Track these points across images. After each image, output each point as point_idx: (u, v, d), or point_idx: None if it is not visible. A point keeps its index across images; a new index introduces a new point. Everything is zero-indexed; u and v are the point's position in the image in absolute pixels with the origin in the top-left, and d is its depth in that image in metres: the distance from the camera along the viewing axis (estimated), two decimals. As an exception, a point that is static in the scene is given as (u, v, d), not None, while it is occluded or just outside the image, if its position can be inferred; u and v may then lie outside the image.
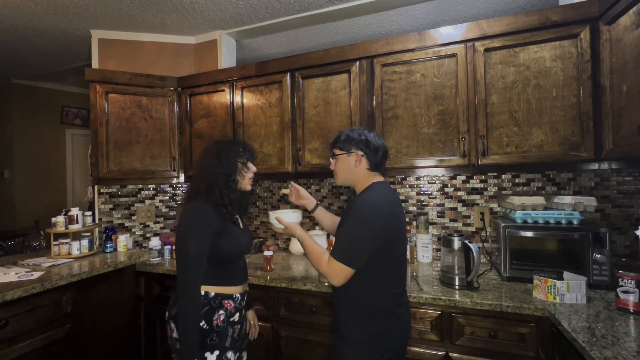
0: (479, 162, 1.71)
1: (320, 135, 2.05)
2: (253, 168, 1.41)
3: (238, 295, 1.35)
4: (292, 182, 1.59)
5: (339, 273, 1.16)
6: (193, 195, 1.31)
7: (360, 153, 1.27)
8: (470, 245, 1.49)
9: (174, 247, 2.31)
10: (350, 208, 1.25)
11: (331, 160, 1.36)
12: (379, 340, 1.20)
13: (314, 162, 2.07)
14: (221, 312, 1.27)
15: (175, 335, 1.25)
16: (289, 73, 2.13)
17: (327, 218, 1.58)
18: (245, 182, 1.39)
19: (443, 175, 2.11)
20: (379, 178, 1.30)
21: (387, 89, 1.90)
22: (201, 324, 1.22)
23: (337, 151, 1.33)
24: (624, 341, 1.04)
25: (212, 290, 1.28)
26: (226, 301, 1.30)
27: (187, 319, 1.18)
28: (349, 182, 1.33)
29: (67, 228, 2.13)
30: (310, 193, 2.46)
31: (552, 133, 1.60)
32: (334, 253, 1.18)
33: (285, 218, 1.37)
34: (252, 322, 1.53)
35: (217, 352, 1.23)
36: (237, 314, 1.34)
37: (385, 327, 1.21)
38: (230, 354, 1.26)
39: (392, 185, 2.24)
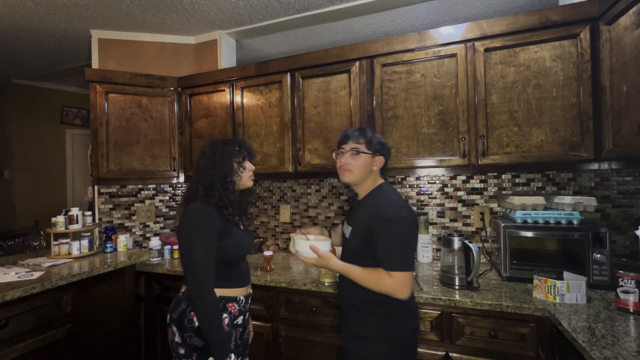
0: (479, 162, 1.71)
1: (320, 135, 2.05)
2: (250, 167, 1.39)
3: (242, 297, 1.34)
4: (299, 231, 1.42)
5: (406, 282, 1.12)
6: (192, 197, 1.30)
7: (384, 159, 1.30)
8: (470, 245, 1.49)
9: (174, 247, 2.32)
10: (373, 210, 1.20)
11: (344, 154, 1.28)
12: (397, 336, 1.21)
13: (314, 162, 2.07)
14: (225, 315, 1.26)
15: (177, 339, 1.23)
16: (289, 73, 2.13)
17: (337, 237, 1.56)
18: (245, 180, 1.37)
19: (443, 175, 2.11)
20: (381, 179, 1.34)
21: (387, 89, 1.90)
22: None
23: (362, 148, 1.26)
24: (624, 341, 1.05)
25: (216, 293, 1.25)
26: (230, 304, 1.29)
27: (209, 322, 1.17)
28: (359, 181, 1.29)
29: (67, 228, 2.12)
30: (310, 193, 2.47)
31: (552, 133, 1.60)
32: (393, 266, 1.13)
33: (304, 246, 1.23)
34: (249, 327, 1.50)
35: None
36: (241, 317, 1.33)
37: (403, 321, 1.23)
38: (233, 358, 1.24)
39: (392, 185, 2.24)
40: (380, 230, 1.17)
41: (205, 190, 1.27)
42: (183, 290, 1.30)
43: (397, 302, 1.19)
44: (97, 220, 2.47)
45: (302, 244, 1.24)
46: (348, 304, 1.28)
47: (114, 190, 2.55)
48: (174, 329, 1.25)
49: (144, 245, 2.61)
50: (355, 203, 1.37)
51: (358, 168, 1.26)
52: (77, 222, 2.15)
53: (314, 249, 1.21)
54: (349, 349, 1.27)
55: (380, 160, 1.28)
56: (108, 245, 2.32)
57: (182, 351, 1.22)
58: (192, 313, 1.21)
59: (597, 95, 1.50)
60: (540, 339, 1.34)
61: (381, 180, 1.32)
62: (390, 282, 1.13)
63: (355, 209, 1.33)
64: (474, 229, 2.04)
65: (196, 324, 1.20)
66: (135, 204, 2.61)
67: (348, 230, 1.32)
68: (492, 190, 2.01)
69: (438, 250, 2.09)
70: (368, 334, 1.21)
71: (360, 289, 1.20)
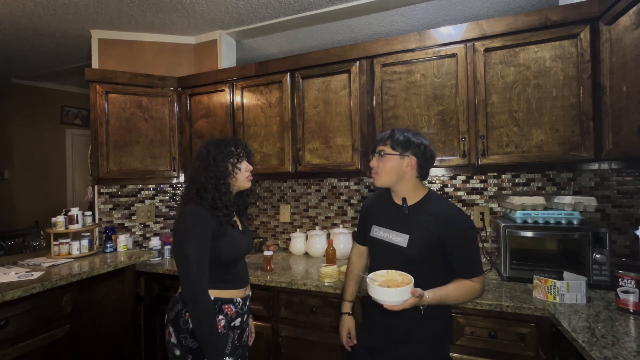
0: (479, 162, 1.71)
1: (320, 135, 2.05)
2: (247, 167, 1.34)
3: (239, 299, 1.31)
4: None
5: (484, 283, 1.23)
6: (186, 200, 1.28)
7: (415, 159, 1.22)
8: (470, 245, 1.49)
9: (171, 248, 2.32)
10: (442, 219, 1.18)
11: (375, 156, 1.27)
12: (450, 332, 1.33)
13: (314, 162, 2.07)
14: (221, 317, 1.24)
15: (173, 340, 1.22)
16: (289, 73, 2.13)
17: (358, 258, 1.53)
18: (241, 181, 1.33)
19: (443, 175, 2.11)
20: (426, 188, 1.29)
21: (387, 89, 1.90)
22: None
23: (388, 149, 1.23)
24: (624, 341, 1.04)
25: (212, 294, 1.23)
26: (226, 306, 1.27)
27: (203, 325, 1.15)
28: (390, 185, 1.26)
29: (67, 228, 2.12)
30: (310, 193, 2.47)
31: (552, 133, 1.60)
32: (476, 272, 1.19)
33: (398, 295, 1.05)
34: (250, 329, 1.49)
35: None
36: (239, 319, 1.31)
37: (448, 320, 1.32)
38: None
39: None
40: (458, 240, 1.17)
41: (198, 192, 1.25)
42: (180, 290, 1.28)
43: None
44: (97, 220, 2.47)
45: (385, 292, 1.06)
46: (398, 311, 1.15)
47: (114, 190, 2.55)
48: (170, 329, 1.24)
49: (144, 245, 2.60)
50: (404, 210, 1.25)
51: (384, 171, 1.23)
52: (77, 222, 2.15)
53: (413, 292, 1.06)
54: (412, 354, 1.21)
55: (410, 160, 1.21)
56: (108, 245, 2.32)
57: (177, 352, 1.21)
58: (187, 314, 1.20)
59: (597, 95, 1.50)
60: (540, 339, 1.34)
61: (426, 188, 1.28)
62: (479, 288, 1.19)
63: (407, 216, 1.24)
64: (474, 229, 2.04)
65: (191, 325, 1.18)
66: (135, 204, 2.61)
67: (402, 238, 1.22)
68: (492, 190, 2.01)
69: (438, 250, 2.09)
70: (434, 333, 1.22)
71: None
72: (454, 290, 1.16)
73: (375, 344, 1.26)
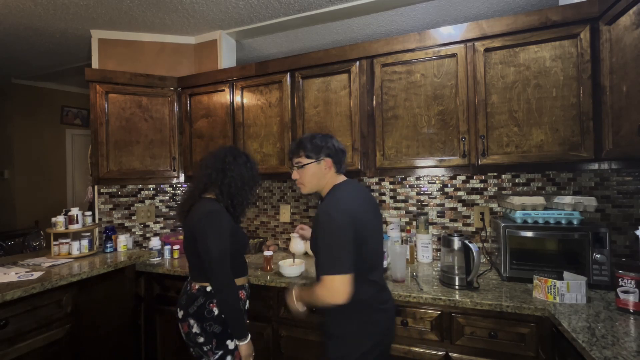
0: (479, 162, 1.71)
1: (320, 135, 2.05)
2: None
3: (247, 285, 1.54)
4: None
5: (336, 286, 1.06)
6: (204, 189, 1.45)
7: (330, 160, 1.27)
8: (470, 245, 1.49)
9: (174, 247, 2.32)
10: (317, 216, 1.19)
11: (294, 169, 1.32)
12: (361, 336, 1.18)
13: (314, 162, 2.07)
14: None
15: (195, 330, 1.36)
16: (289, 73, 2.13)
17: None
18: None
19: (443, 175, 2.11)
20: (341, 178, 1.30)
21: (387, 89, 1.90)
22: (223, 315, 1.37)
23: (304, 160, 1.28)
24: (624, 341, 1.05)
25: None
26: (241, 292, 1.45)
27: (236, 310, 1.35)
28: (316, 189, 1.31)
29: (67, 228, 2.12)
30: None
31: (552, 133, 1.60)
32: (321, 270, 1.09)
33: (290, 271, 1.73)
34: None
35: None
36: (247, 302, 1.53)
37: (368, 320, 1.19)
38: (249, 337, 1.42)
39: (392, 185, 2.24)
40: (316, 235, 1.15)
41: (233, 189, 1.44)
42: (197, 287, 1.41)
43: (363, 297, 1.16)
44: (97, 220, 2.47)
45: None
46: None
47: (114, 190, 2.55)
48: (191, 321, 1.37)
49: (144, 245, 2.60)
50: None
51: (307, 179, 1.28)
52: (77, 222, 2.15)
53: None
54: (325, 348, 1.25)
55: (327, 162, 1.27)
56: (108, 245, 2.32)
57: (201, 340, 1.36)
58: (211, 305, 1.37)
59: (597, 95, 1.50)
60: (540, 339, 1.34)
61: (338, 180, 1.29)
62: (319, 289, 1.09)
63: None
64: (474, 229, 2.04)
65: (215, 313, 1.36)
66: (135, 204, 2.61)
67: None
68: (492, 190, 2.01)
69: (438, 250, 2.09)
70: (337, 331, 1.20)
71: None
72: (310, 293, 1.17)
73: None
